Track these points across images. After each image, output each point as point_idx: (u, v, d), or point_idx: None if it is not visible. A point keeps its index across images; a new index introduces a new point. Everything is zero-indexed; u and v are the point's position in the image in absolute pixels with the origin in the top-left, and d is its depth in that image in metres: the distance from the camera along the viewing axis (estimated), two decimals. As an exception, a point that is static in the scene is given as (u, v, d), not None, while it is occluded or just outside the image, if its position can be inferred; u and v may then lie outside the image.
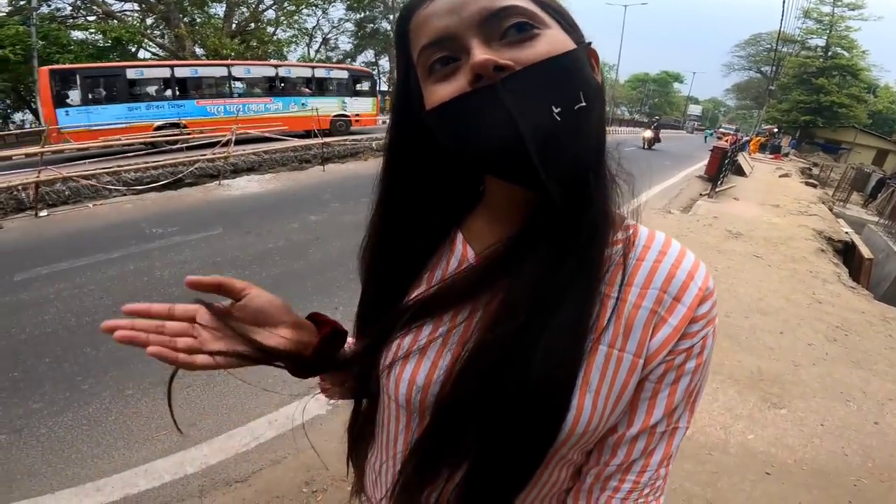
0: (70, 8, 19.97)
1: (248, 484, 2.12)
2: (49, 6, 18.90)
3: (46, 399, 2.71)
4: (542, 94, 0.41)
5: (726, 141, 13.64)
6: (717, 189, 9.96)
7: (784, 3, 22.42)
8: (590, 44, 0.47)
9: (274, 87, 13.65)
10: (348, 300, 3.82)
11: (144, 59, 20.35)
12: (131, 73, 11.61)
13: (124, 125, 10.83)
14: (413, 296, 0.54)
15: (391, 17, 31.48)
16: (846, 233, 8.08)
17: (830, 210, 10.47)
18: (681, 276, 0.46)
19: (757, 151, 22.77)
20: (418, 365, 0.50)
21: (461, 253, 0.54)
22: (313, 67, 14.94)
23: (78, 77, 10.83)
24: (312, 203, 6.92)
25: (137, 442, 2.41)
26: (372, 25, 32.17)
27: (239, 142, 9.57)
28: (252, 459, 2.28)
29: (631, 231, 0.49)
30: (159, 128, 11.36)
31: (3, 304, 3.80)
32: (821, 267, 5.54)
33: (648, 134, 19.74)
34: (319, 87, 14.35)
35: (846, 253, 7.24)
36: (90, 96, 10.99)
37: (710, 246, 5.79)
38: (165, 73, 12.11)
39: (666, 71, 69.24)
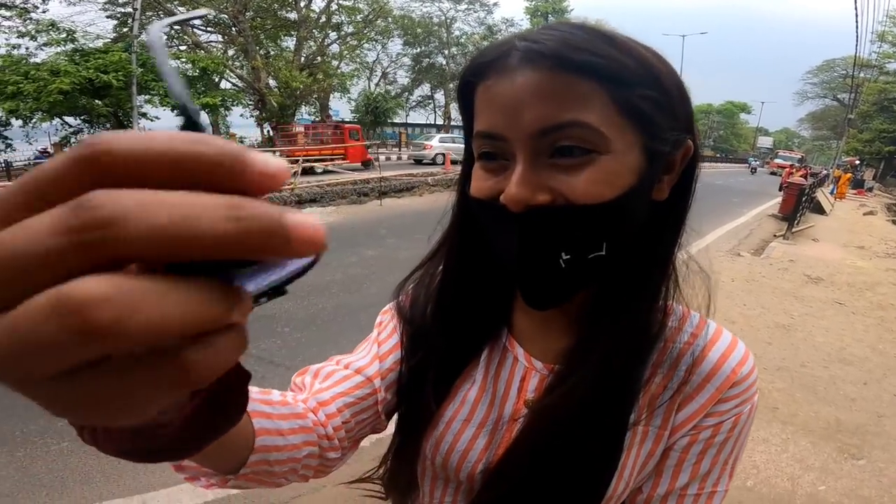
0: (165, 37, 22.53)
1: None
2: (148, 34, 21.40)
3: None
4: (556, 238, 0.40)
5: (782, 168, 12.31)
6: (794, 229, 9.20)
7: (857, 27, 20.96)
8: (686, 139, 0.44)
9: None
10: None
11: (225, 89, 22.30)
12: None
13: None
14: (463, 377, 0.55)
15: (446, 51, 32.66)
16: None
17: (924, 251, 9.45)
18: (713, 357, 0.49)
19: (846, 192, 18.29)
20: (473, 438, 0.52)
21: (512, 354, 0.54)
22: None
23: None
24: (369, 238, 7.11)
25: (187, 458, 2.47)
26: (428, 60, 33.46)
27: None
28: (295, 486, 2.28)
29: (681, 314, 0.51)
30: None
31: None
32: (913, 314, 4.98)
33: None
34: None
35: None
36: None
37: (786, 292, 5.31)
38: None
39: (731, 101, 65.38)
